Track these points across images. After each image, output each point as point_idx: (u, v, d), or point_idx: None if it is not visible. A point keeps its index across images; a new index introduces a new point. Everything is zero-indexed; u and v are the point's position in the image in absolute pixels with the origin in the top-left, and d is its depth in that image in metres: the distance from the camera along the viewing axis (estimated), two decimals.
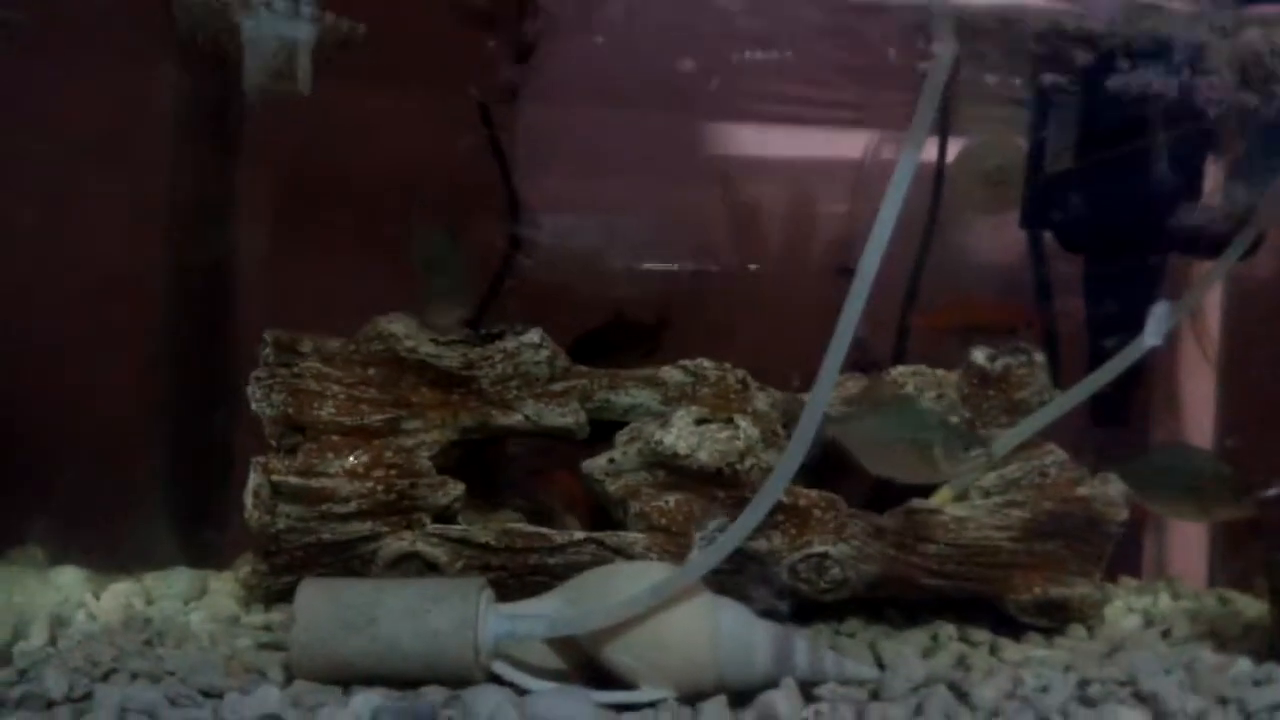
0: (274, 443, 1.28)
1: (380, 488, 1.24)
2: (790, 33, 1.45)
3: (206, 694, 1.02)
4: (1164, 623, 1.34)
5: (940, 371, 1.34)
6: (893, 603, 1.32)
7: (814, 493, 1.27)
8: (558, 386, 1.30)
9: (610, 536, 1.25)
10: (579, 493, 1.32)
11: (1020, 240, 1.56)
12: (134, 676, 1.07)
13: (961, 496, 1.29)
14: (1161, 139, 1.40)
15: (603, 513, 1.30)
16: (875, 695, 1.06)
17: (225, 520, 1.40)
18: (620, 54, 1.52)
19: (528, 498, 1.38)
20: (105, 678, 1.06)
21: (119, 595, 1.31)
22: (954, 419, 1.27)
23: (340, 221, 1.62)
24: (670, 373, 1.31)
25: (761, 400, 1.31)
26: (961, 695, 1.04)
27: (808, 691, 1.05)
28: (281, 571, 1.26)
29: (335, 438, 1.26)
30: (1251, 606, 1.39)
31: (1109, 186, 1.42)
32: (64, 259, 1.50)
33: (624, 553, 1.24)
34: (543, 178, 1.66)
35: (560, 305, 1.57)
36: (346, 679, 1.06)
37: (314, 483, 1.24)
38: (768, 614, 1.14)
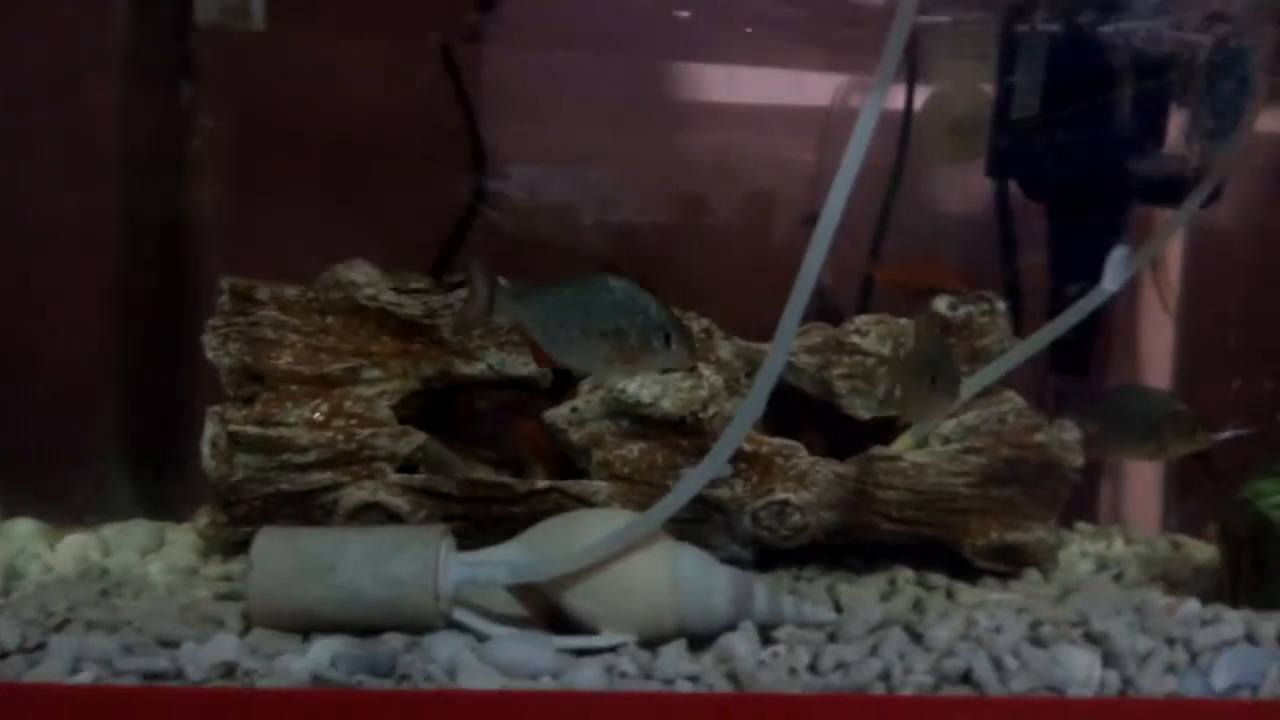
0: (231, 392, 1.26)
1: (340, 437, 1.23)
2: None
3: (163, 643, 1.01)
4: (1117, 567, 1.37)
5: (903, 320, 1.34)
6: (852, 548, 1.34)
7: (776, 440, 1.27)
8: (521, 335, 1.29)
9: (573, 485, 1.25)
10: (545, 442, 1.32)
11: (986, 188, 1.56)
12: (89, 627, 1.06)
13: (921, 443, 1.30)
14: (1126, 87, 1.40)
15: (570, 461, 1.30)
16: (833, 638, 1.07)
17: (183, 471, 1.38)
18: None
19: (495, 447, 1.38)
20: (59, 628, 1.05)
21: (75, 547, 1.30)
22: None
23: (298, 166, 1.58)
24: None
25: (725, 349, 1.31)
26: (916, 637, 1.05)
27: (766, 635, 1.06)
28: (240, 522, 1.25)
29: (294, 387, 1.25)
30: (1202, 551, 1.42)
31: (1073, 135, 1.42)
32: (11, 206, 1.46)
33: (587, 501, 1.24)
34: (509, 124, 1.63)
35: (529, 256, 1.55)
36: (305, 627, 1.05)
37: (272, 432, 1.22)
38: (729, 560, 1.15)
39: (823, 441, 1.31)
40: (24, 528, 1.32)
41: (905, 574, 1.29)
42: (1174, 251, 1.62)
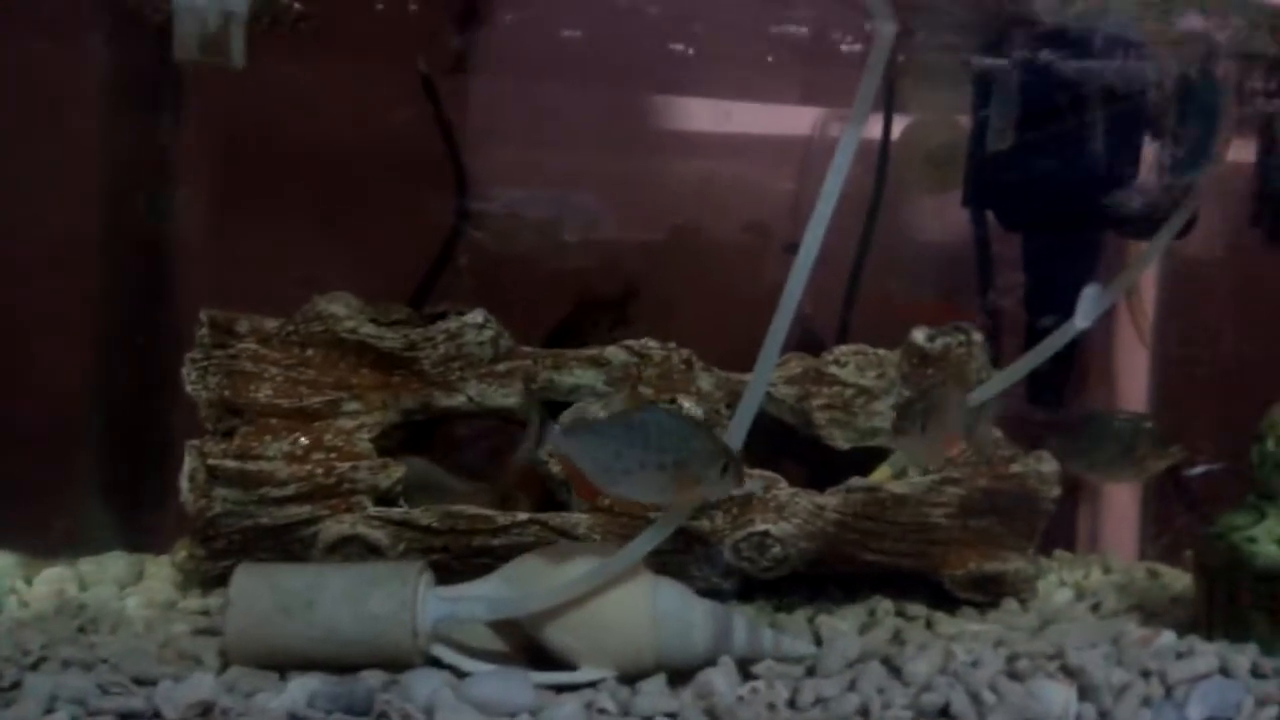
0: (210, 426, 1.26)
1: (319, 471, 1.23)
2: (738, 5, 1.44)
3: (140, 681, 1.01)
4: (1095, 596, 1.38)
5: (881, 351, 1.35)
6: (833, 579, 1.34)
7: (756, 472, 1.28)
8: (501, 367, 1.29)
9: (554, 517, 1.25)
10: (534, 474, 1.32)
11: (963, 219, 1.57)
12: (65, 664, 1.05)
13: (900, 474, 1.30)
14: (1100, 119, 1.42)
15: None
16: (811, 672, 1.07)
17: (162, 503, 1.37)
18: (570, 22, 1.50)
19: (479, 478, 1.38)
20: (35, 666, 1.04)
21: (52, 581, 1.29)
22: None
23: (281, 197, 1.59)
24: (615, 353, 1.31)
25: (706, 380, 1.31)
26: (895, 670, 1.06)
27: (745, 669, 1.07)
28: (219, 556, 1.25)
29: (273, 420, 1.25)
30: (1179, 579, 1.43)
31: (1048, 166, 1.44)
32: None
33: (568, 534, 1.24)
34: (491, 150, 1.64)
35: (511, 282, 1.56)
36: (283, 664, 1.05)
37: (251, 466, 1.22)
38: (709, 593, 1.15)
39: (802, 473, 1.32)
40: (1, 561, 1.31)
41: (885, 605, 1.30)
42: (1148, 281, 1.64)
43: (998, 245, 1.56)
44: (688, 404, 1.27)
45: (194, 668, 1.05)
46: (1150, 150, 1.43)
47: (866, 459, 1.32)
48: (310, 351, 1.27)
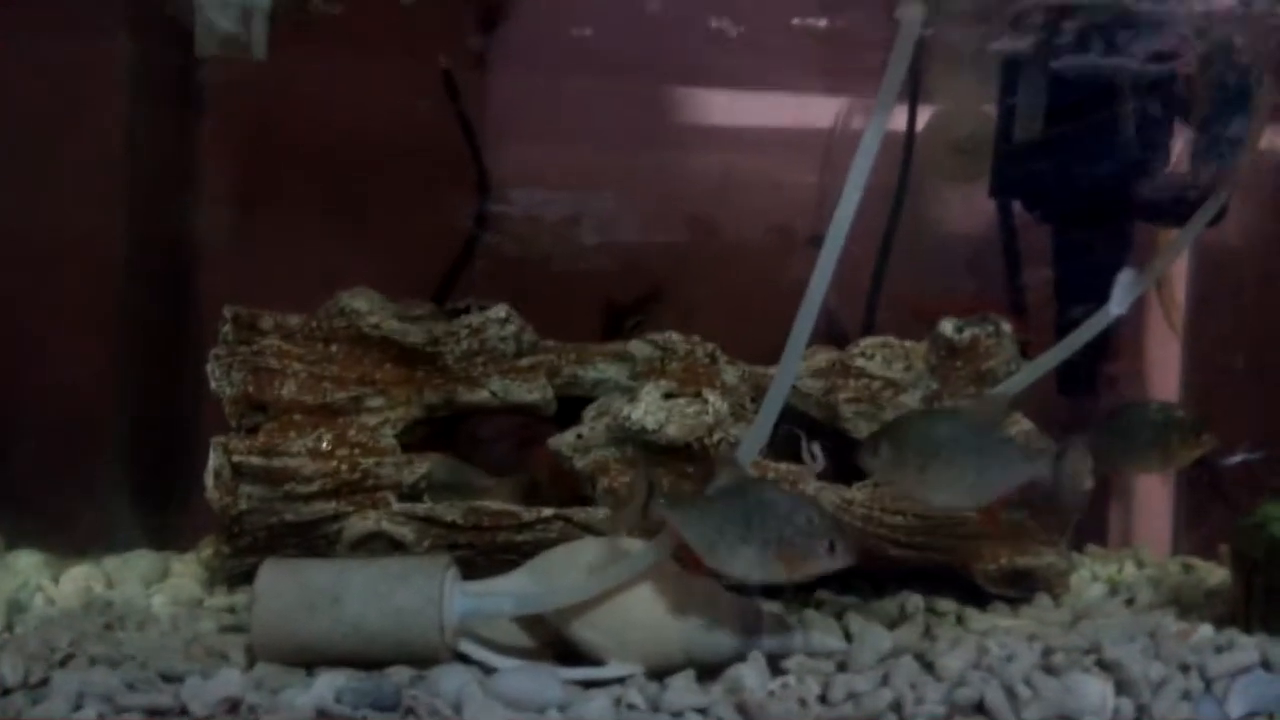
0: (235, 422, 1.25)
1: (344, 467, 1.23)
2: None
3: (167, 678, 1.01)
4: (1128, 591, 1.35)
5: (909, 343, 1.34)
6: (861, 574, 1.32)
7: (782, 465, 1.26)
8: (525, 362, 1.29)
9: (578, 513, 1.24)
10: (560, 468, 1.31)
11: (989, 209, 1.55)
12: (92, 661, 1.05)
13: None
14: (1129, 107, 1.40)
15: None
16: (842, 667, 1.06)
17: (188, 501, 1.37)
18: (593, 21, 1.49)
19: (506, 472, 1.37)
20: (63, 663, 1.04)
21: (78, 579, 1.29)
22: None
23: (303, 193, 1.59)
24: (639, 347, 1.30)
25: (731, 374, 1.30)
26: (927, 665, 1.04)
27: (775, 664, 1.05)
28: (244, 553, 1.25)
29: (297, 416, 1.24)
30: (1214, 573, 1.40)
31: (1076, 155, 1.42)
32: (15, 233, 1.46)
33: (592, 529, 1.23)
34: (512, 149, 1.63)
35: (531, 280, 1.55)
36: (310, 660, 1.04)
37: (276, 463, 1.22)
38: (736, 588, 1.14)
39: (829, 466, 1.30)
40: (27, 560, 1.31)
41: (915, 600, 1.28)
42: (1179, 269, 1.61)
43: (1025, 236, 1.54)
44: (712, 398, 1.26)
45: (221, 664, 1.05)
46: (1181, 137, 1.40)
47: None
48: (334, 347, 1.27)
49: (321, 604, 1.04)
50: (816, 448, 1.23)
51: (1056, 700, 0.99)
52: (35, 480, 1.41)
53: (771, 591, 1.27)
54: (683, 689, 1.02)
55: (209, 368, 1.25)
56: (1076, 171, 1.42)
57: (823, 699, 0.99)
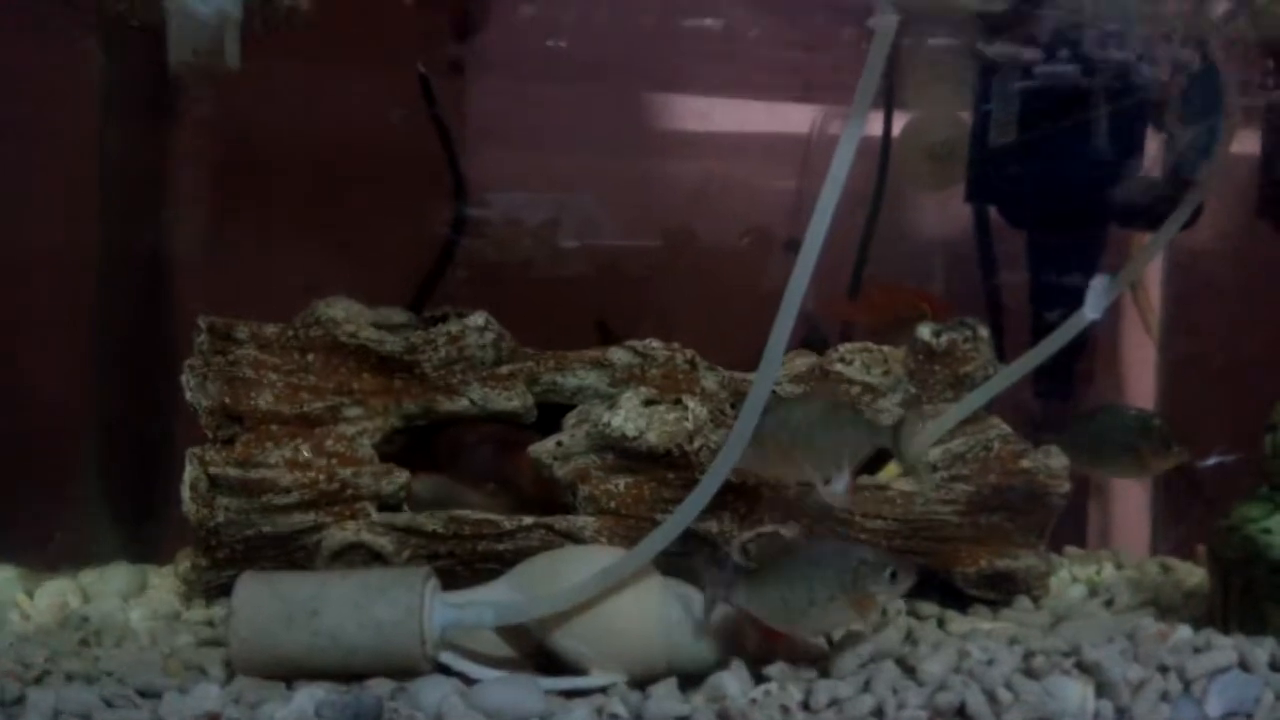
0: (211, 433, 1.24)
1: (322, 477, 1.22)
2: (736, 5, 1.43)
3: (144, 694, 1.00)
4: (1107, 592, 1.36)
5: (887, 348, 1.34)
6: None
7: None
8: (504, 370, 1.28)
9: (560, 521, 1.23)
10: (539, 476, 1.30)
11: (965, 214, 1.56)
12: (69, 678, 1.04)
13: (908, 472, 1.29)
14: (1102, 112, 1.41)
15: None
16: (824, 673, 1.06)
17: (164, 513, 1.36)
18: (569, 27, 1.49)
19: (487, 481, 1.36)
20: (38, 680, 1.03)
21: (53, 594, 1.27)
22: None
23: (279, 201, 1.58)
24: (618, 354, 1.30)
25: (710, 380, 1.30)
26: (909, 670, 1.04)
27: (757, 671, 1.05)
28: (222, 565, 1.23)
29: (274, 427, 1.23)
30: (1192, 574, 1.42)
31: (1051, 160, 1.43)
32: None
33: (574, 537, 1.23)
34: (489, 155, 1.63)
35: (509, 287, 1.55)
36: (289, 674, 1.04)
37: (253, 474, 1.21)
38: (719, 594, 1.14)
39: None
40: (1, 575, 1.30)
41: (896, 603, 1.28)
42: (1153, 274, 1.63)
43: (999, 241, 1.55)
44: (692, 404, 1.26)
45: (199, 679, 1.03)
46: (1154, 141, 1.42)
47: (874, 457, 1.31)
48: (310, 357, 1.26)
49: (300, 616, 1.04)
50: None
51: (1037, 703, 0.99)
52: (9, 494, 1.39)
53: None
54: (665, 697, 1.01)
55: (184, 378, 1.24)
56: (1051, 176, 1.44)
57: (805, 705, 0.99)
